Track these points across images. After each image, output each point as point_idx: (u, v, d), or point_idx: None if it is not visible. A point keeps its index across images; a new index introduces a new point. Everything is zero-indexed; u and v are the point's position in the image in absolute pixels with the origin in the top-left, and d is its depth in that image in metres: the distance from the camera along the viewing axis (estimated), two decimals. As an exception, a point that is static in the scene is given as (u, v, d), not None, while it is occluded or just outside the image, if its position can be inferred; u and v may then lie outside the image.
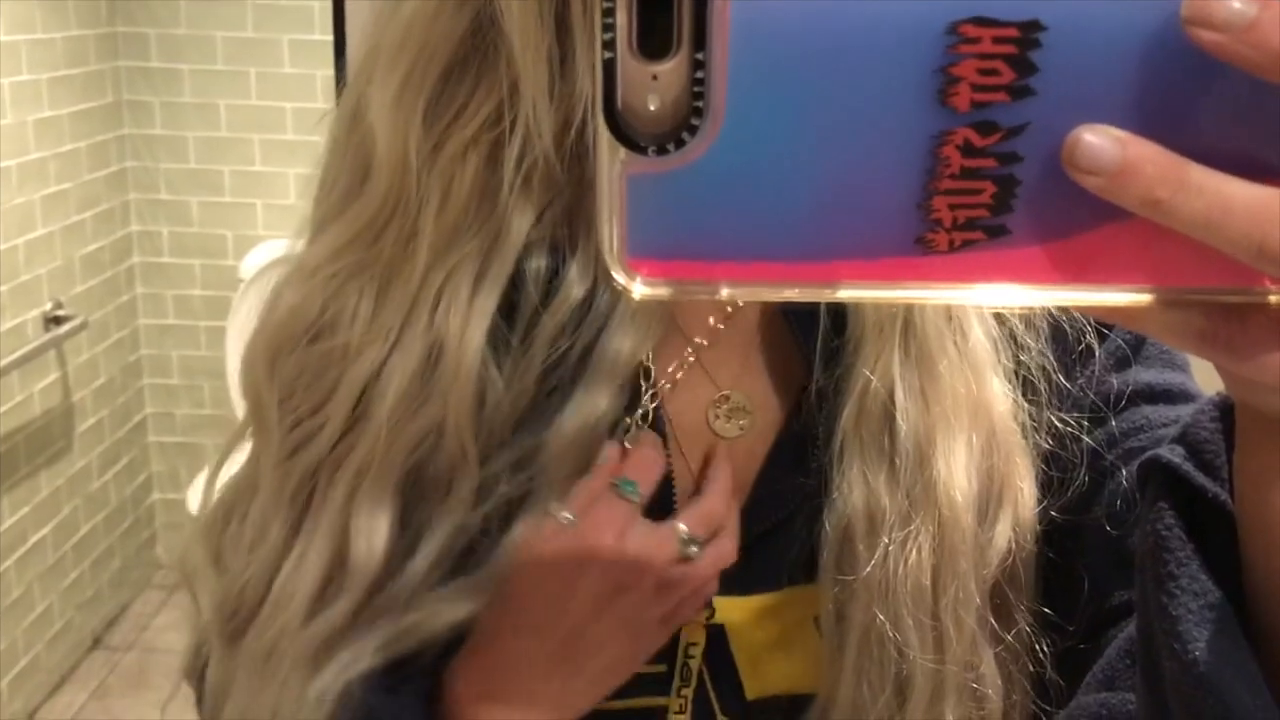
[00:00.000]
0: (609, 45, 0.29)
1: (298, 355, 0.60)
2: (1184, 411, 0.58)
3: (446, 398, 0.58)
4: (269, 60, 2.92)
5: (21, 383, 2.58)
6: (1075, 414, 0.60)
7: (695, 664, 0.63)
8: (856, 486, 0.59)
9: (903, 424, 0.58)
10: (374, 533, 0.60)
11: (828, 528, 0.60)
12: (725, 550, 0.60)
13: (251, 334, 0.62)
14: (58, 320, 2.66)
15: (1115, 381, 0.61)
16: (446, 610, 0.59)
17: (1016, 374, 0.60)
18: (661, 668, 0.63)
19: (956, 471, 0.58)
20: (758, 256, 0.32)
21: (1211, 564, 0.41)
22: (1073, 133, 0.30)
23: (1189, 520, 0.42)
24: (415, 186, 0.58)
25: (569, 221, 0.60)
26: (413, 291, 0.59)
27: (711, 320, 0.63)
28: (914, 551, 0.58)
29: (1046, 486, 0.60)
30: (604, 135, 0.30)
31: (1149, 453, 0.44)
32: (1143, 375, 0.61)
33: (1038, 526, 0.60)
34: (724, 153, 0.30)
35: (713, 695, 0.63)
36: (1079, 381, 0.61)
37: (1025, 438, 0.60)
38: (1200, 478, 0.42)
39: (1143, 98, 0.30)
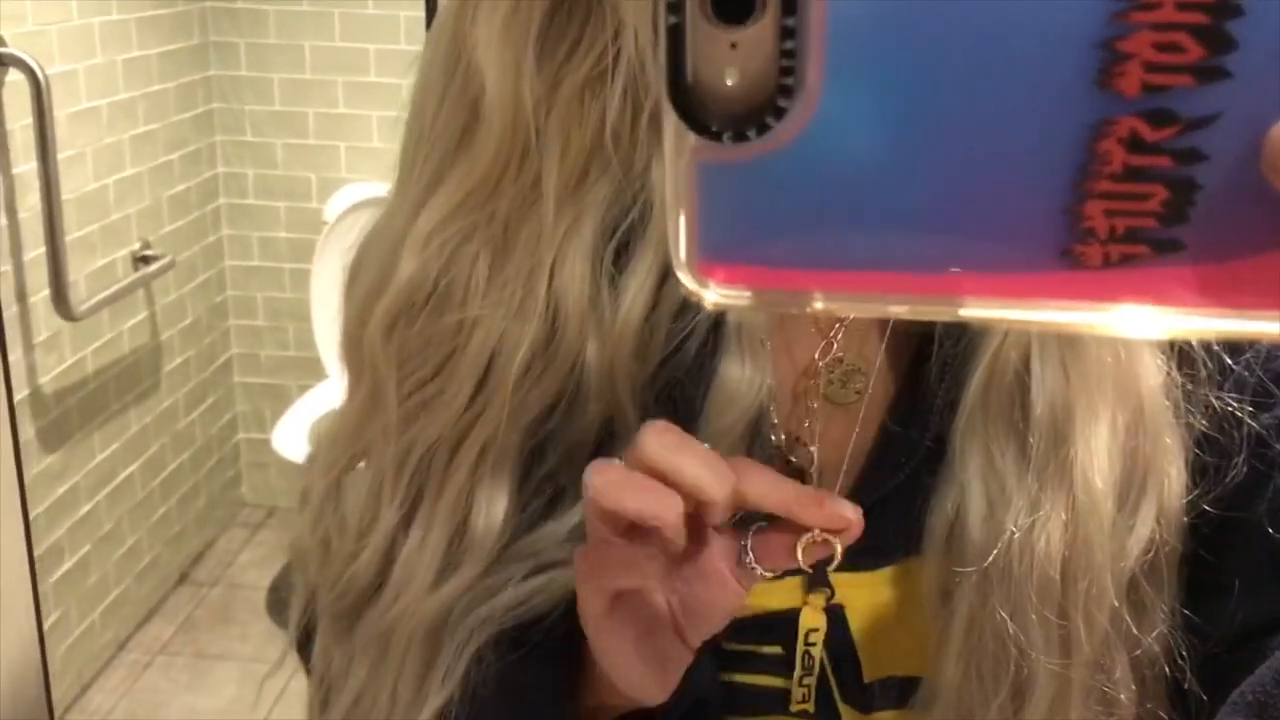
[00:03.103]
0: (675, 8, 0.24)
1: (418, 326, 0.57)
2: None
3: (601, 351, 0.54)
4: (353, 1, 2.91)
5: (111, 321, 2.61)
6: (1238, 395, 0.53)
7: (817, 651, 0.58)
8: (978, 461, 0.53)
9: (1038, 396, 0.52)
10: (493, 505, 0.57)
11: (946, 505, 0.54)
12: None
13: (359, 305, 0.58)
14: (146, 260, 2.69)
15: None
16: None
17: (1172, 345, 0.53)
18: (777, 649, 0.59)
19: (1098, 453, 0.51)
20: (858, 264, 0.26)
21: None
22: (1278, 127, 0.24)
23: None
24: (533, 132, 0.53)
25: None
26: (537, 251, 0.54)
27: None
28: (1042, 539, 0.51)
29: (1199, 474, 0.54)
30: (671, 116, 0.25)
31: None
32: None
33: (1184, 518, 0.54)
34: (818, 138, 0.25)
35: (833, 681, 0.59)
36: (1245, 358, 0.54)
37: (1177, 417, 0.53)
38: None
39: None
